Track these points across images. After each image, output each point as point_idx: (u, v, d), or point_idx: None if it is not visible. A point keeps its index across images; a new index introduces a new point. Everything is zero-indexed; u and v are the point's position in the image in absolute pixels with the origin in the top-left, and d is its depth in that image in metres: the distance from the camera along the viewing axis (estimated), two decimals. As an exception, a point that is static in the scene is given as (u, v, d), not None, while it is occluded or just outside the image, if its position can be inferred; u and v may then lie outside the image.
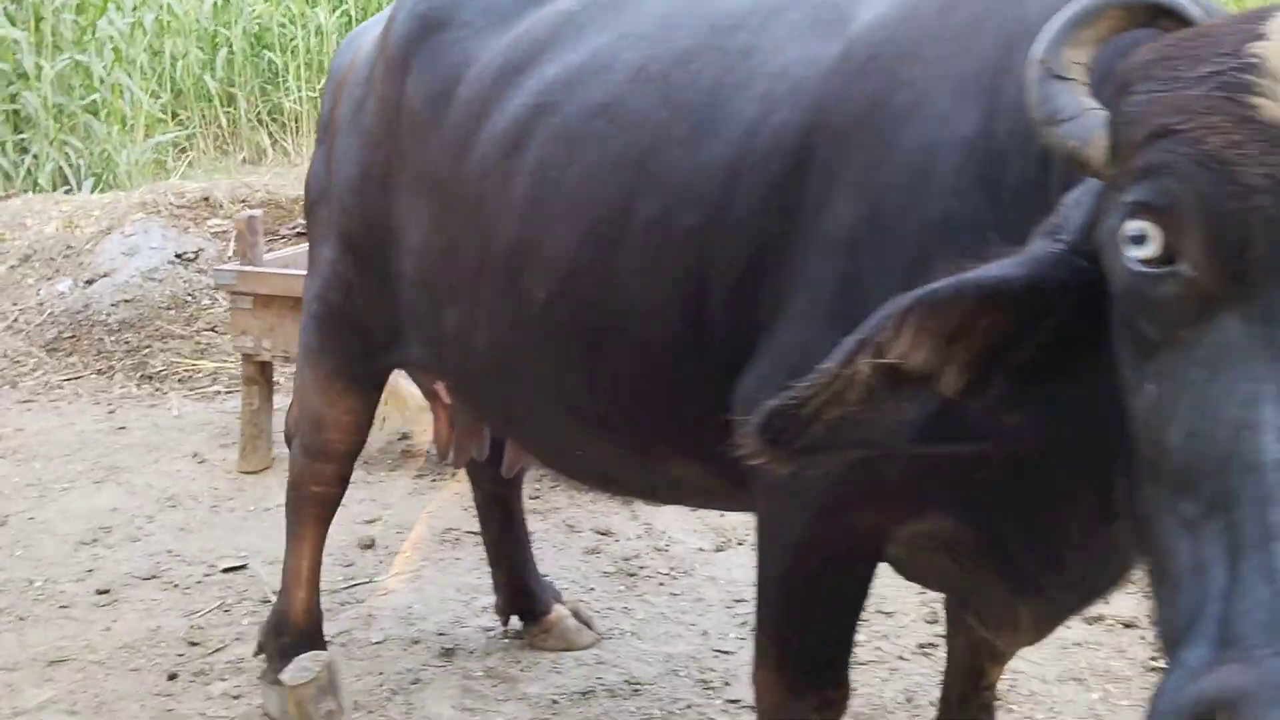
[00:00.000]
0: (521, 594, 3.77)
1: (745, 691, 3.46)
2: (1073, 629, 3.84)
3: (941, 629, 3.87)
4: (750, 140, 2.15)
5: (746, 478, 2.23)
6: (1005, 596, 2.25)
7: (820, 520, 2.15)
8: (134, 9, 12.96)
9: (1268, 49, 1.27)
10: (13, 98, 11.24)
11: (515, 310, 2.53)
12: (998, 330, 1.53)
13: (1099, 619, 3.89)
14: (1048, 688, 3.52)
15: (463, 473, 4.07)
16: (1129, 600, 3.97)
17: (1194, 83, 1.29)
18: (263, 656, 3.50)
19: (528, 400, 2.69)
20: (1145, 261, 1.30)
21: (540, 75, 2.52)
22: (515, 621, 3.80)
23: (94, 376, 6.65)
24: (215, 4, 13.39)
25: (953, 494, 2.04)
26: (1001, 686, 3.50)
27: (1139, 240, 1.30)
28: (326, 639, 3.79)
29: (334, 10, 13.30)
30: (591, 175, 2.36)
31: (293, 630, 3.47)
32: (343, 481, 3.51)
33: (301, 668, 2.68)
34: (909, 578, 2.43)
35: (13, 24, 11.21)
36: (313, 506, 3.49)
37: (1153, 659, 3.64)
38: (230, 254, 7.07)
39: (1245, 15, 1.37)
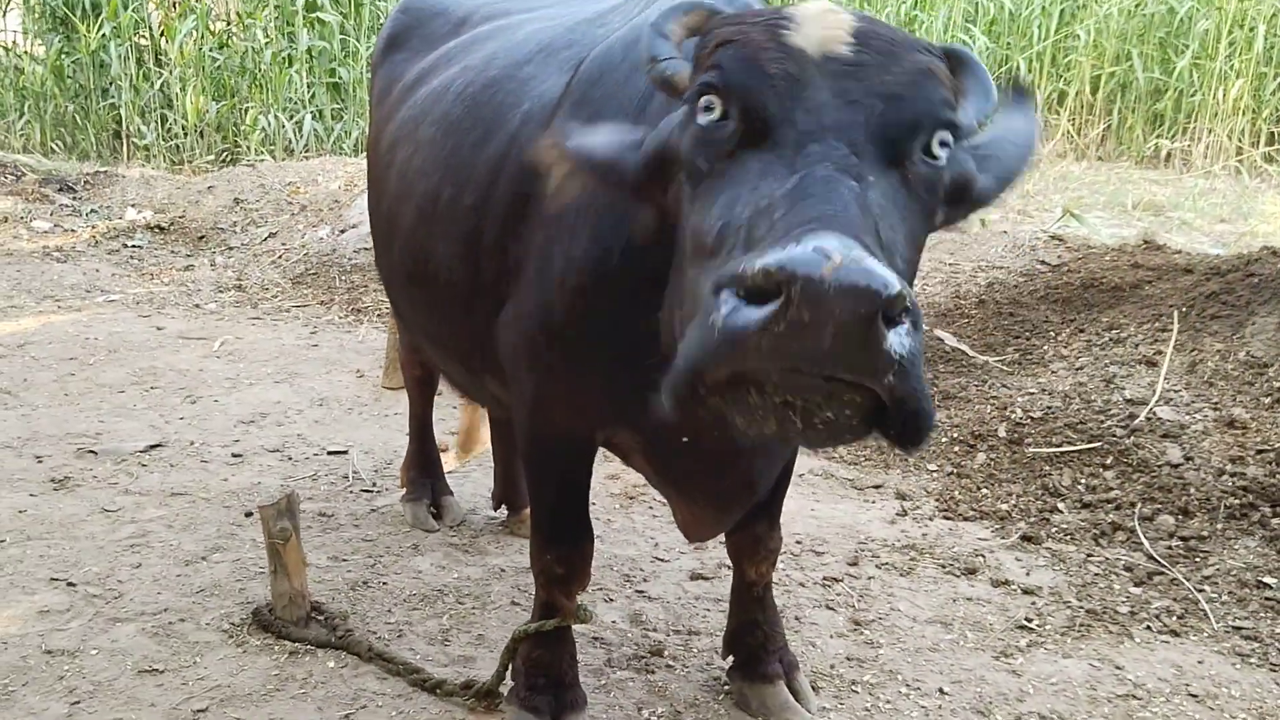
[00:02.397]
0: (510, 488, 4.68)
1: (660, 588, 4.24)
2: (975, 587, 4.31)
3: (854, 568, 4.46)
4: (512, 143, 2.97)
5: None
6: (669, 493, 2.98)
7: (533, 416, 2.96)
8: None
9: (798, 11, 2.06)
10: (332, 72, 13.22)
11: (390, 262, 3.49)
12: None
13: (1005, 583, 4.31)
14: (912, 624, 4.01)
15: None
16: (1042, 572, 4.39)
17: (749, 22, 2.09)
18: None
19: (413, 328, 3.64)
20: (711, 121, 2.04)
21: (416, 95, 3.48)
22: (504, 510, 4.74)
23: (316, 305, 8.14)
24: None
25: (629, 411, 2.78)
26: (870, 617, 4.09)
27: (709, 108, 2.05)
28: (374, 509, 4.90)
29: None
30: (424, 168, 3.26)
31: (414, 468, 4.80)
32: (428, 370, 4.65)
33: (270, 495, 3.72)
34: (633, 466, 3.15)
35: (336, 5, 13.19)
36: (412, 385, 4.78)
37: (1026, 620, 4.06)
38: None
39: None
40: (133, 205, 10.56)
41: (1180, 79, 16.12)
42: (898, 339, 1.59)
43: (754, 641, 3.44)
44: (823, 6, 2.07)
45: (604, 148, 2.30)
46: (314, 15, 13.01)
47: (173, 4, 13.53)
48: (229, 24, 13.73)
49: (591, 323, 2.66)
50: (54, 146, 13.32)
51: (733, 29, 2.08)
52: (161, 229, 9.97)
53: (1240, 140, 15.63)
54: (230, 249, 9.49)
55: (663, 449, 2.81)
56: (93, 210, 10.45)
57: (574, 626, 3.33)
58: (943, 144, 2.00)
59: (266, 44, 12.68)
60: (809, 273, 1.55)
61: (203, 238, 9.80)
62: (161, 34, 13.06)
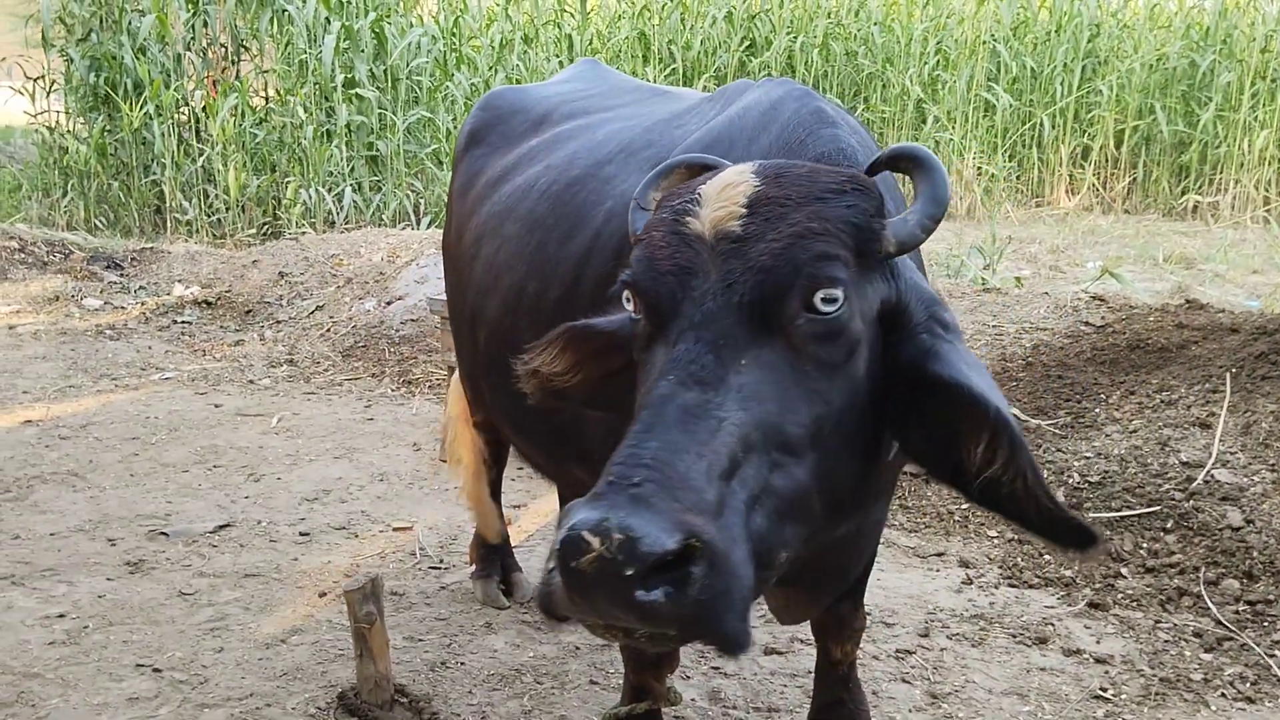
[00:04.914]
0: (580, 565, 4.74)
1: (735, 664, 4.28)
2: (1047, 657, 4.34)
3: (925, 640, 4.50)
4: (596, 240, 3.08)
5: None
6: None
7: None
8: (489, 68, 15.04)
9: (705, 189, 2.10)
10: (370, 145, 13.48)
11: (473, 350, 3.59)
12: (610, 359, 2.39)
13: (1077, 652, 4.34)
14: (988, 697, 4.05)
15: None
16: (1113, 639, 4.42)
17: (664, 209, 2.15)
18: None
19: (496, 414, 3.72)
20: (632, 313, 2.15)
21: (500, 191, 3.59)
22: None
23: (368, 378, 8.26)
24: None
25: None
26: (947, 689, 4.12)
27: (628, 300, 2.15)
28: (443, 586, 4.97)
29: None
30: (509, 262, 3.37)
31: (484, 545, 4.87)
32: (499, 446, 4.73)
33: (355, 579, 3.80)
34: None
35: (373, 81, 13.48)
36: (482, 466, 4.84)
37: (1101, 690, 4.08)
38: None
39: (716, 171, 2.20)
40: (179, 281, 10.75)
41: (1204, 131, 16.24)
42: (659, 595, 1.67)
43: (840, 720, 3.47)
44: (727, 178, 2.10)
45: (606, 321, 2.39)
46: (352, 91, 13.28)
47: (213, 83, 13.84)
48: (268, 101, 14.03)
49: None
50: (97, 223, 13.58)
51: (652, 218, 2.15)
52: (209, 304, 10.15)
53: (1267, 191, 15.71)
54: (279, 323, 9.65)
55: None
56: (141, 287, 10.64)
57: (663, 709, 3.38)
58: (827, 299, 1.97)
59: (307, 119, 12.93)
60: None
61: (250, 312, 9.96)
62: (204, 110, 13.35)
